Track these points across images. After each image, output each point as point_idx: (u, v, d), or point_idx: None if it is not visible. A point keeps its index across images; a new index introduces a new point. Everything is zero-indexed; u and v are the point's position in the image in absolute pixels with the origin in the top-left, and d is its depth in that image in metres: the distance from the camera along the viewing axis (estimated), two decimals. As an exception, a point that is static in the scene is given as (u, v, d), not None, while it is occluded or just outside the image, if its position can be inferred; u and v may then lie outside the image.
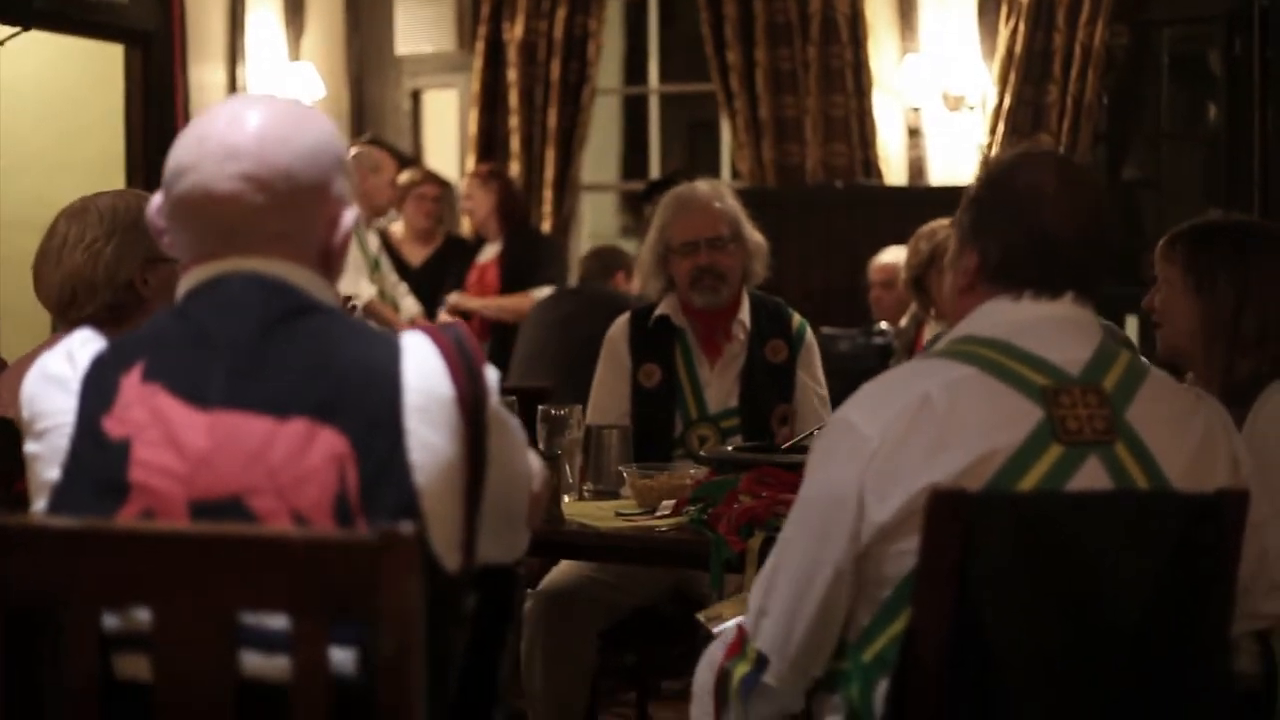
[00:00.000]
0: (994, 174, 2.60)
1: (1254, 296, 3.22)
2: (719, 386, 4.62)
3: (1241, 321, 3.21)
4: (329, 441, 2.03)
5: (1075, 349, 2.47)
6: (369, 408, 2.06)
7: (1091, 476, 2.39)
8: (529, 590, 4.26)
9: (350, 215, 2.23)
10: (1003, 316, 2.50)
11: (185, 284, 2.18)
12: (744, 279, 4.67)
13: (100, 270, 3.29)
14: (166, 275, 3.28)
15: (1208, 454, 2.49)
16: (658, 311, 4.67)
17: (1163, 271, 3.33)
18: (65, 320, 3.36)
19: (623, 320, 4.73)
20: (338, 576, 1.89)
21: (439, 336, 2.16)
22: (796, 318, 4.73)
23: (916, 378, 2.45)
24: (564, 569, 4.30)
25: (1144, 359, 3.67)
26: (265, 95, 2.44)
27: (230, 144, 2.15)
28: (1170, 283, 3.30)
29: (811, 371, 4.68)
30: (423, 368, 2.11)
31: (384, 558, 1.88)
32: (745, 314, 4.65)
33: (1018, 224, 2.52)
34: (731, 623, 2.73)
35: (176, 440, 2.04)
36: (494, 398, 2.18)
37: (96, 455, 2.07)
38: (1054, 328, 2.49)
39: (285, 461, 2.02)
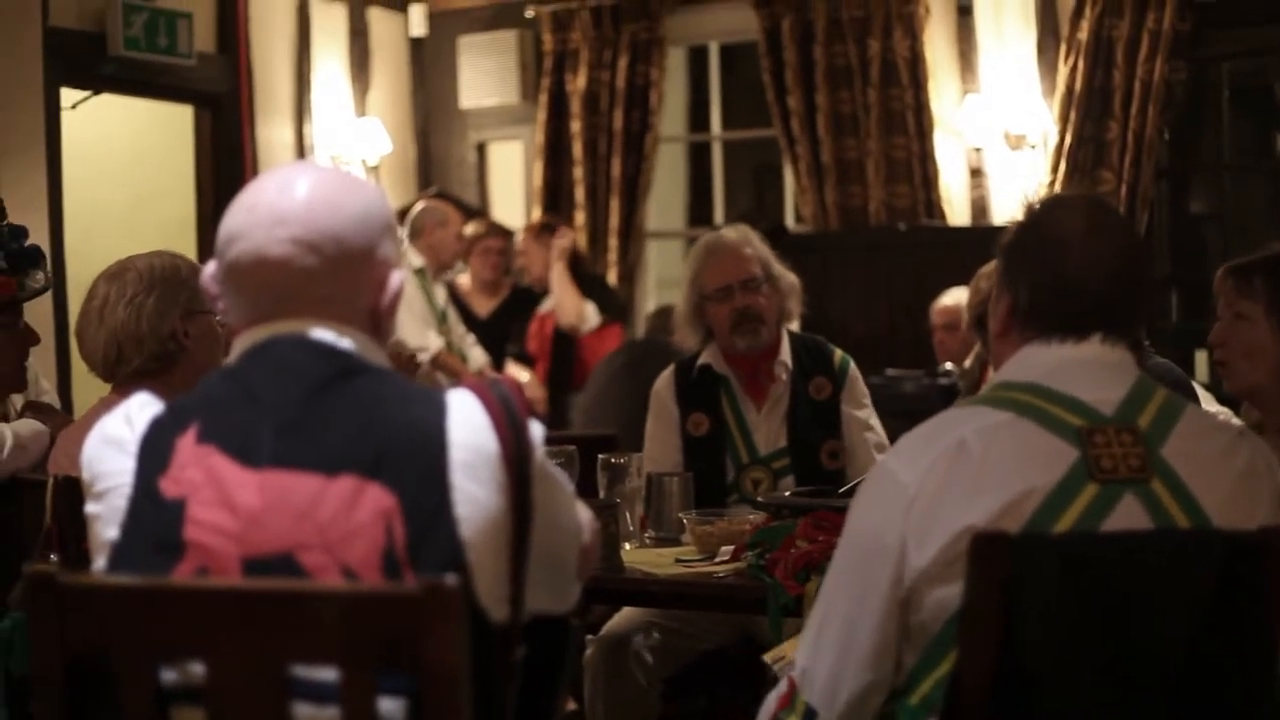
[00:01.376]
0: (1025, 219, 2.63)
1: None
2: (767, 429, 4.65)
3: None
4: (376, 498, 2.08)
5: (1109, 388, 2.48)
6: (415, 464, 2.11)
7: (1128, 514, 2.40)
8: (591, 636, 4.29)
9: (398, 277, 2.29)
10: (1036, 360, 2.52)
11: (238, 347, 2.25)
12: (781, 319, 4.70)
13: (144, 323, 3.40)
14: (206, 325, 3.40)
15: (1249, 489, 2.49)
16: (700, 361, 4.71)
17: (1236, 306, 3.30)
18: (114, 377, 3.45)
19: (667, 373, 4.77)
20: (384, 628, 1.94)
21: (484, 392, 2.20)
22: (838, 353, 4.75)
23: (953, 424, 2.47)
24: (626, 614, 4.32)
25: (1199, 392, 3.66)
26: (313, 163, 2.51)
27: (280, 210, 2.21)
28: (1249, 319, 3.27)
29: (857, 405, 4.70)
30: (468, 424, 2.16)
31: (429, 609, 1.92)
32: (786, 354, 4.68)
33: (1044, 268, 2.54)
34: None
35: (229, 499, 2.10)
36: (539, 451, 2.22)
37: (153, 515, 2.13)
38: (1087, 368, 2.50)
39: (334, 518, 2.08)
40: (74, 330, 3.55)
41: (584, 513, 2.46)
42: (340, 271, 2.22)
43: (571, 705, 5.84)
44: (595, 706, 4.20)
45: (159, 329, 3.42)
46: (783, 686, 2.61)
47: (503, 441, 2.16)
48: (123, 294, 3.43)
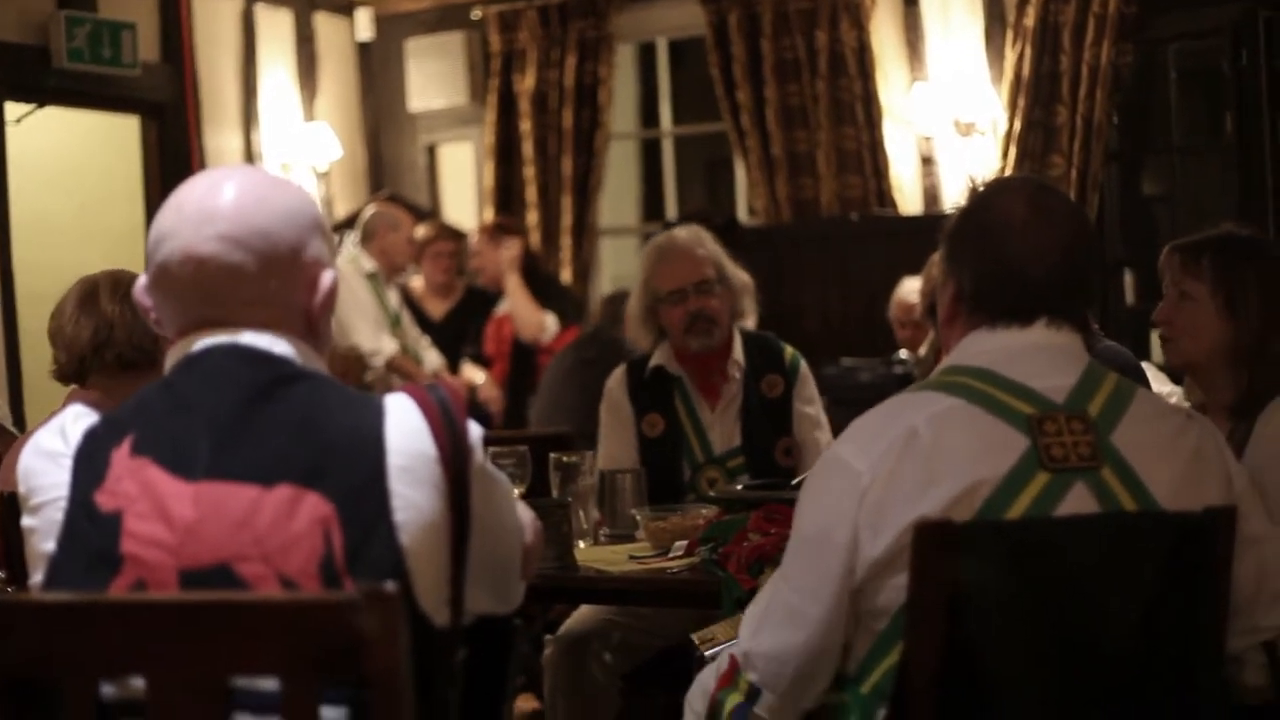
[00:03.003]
0: (967, 205, 2.63)
1: None
2: (721, 428, 4.66)
3: (1272, 342, 3.22)
4: (314, 506, 2.07)
5: (1060, 375, 2.49)
6: (353, 471, 2.10)
7: (1078, 502, 2.40)
8: (550, 635, 4.29)
9: (329, 277, 2.27)
10: (985, 346, 2.52)
11: (172, 357, 2.23)
12: (733, 319, 4.70)
13: (136, 314, 3.41)
14: None
15: (1198, 474, 2.50)
16: (653, 362, 4.71)
17: (1182, 284, 3.31)
18: (86, 369, 3.46)
19: (619, 373, 4.77)
20: (324, 637, 1.92)
21: (422, 396, 2.19)
22: (789, 350, 4.77)
23: (904, 411, 2.47)
24: (584, 612, 4.33)
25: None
26: (241, 165, 2.50)
27: (208, 208, 2.20)
28: (1194, 298, 3.28)
29: (807, 403, 4.72)
30: (405, 428, 2.14)
31: (368, 617, 1.90)
32: (739, 353, 4.69)
33: (985, 254, 2.55)
34: (724, 648, 2.75)
35: (165, 512, 2.08)
36: (478, 454, 2.21)
37: (89, 528, 2.11)
38: (1037, 355, 2.51)
39: (271, 528, 2.06)
40: (49, 328, 3.54)
41: (525, 513, 2.45)
42: (269, 269, 2.20)
43: (534, 704, 5.85)
44: (555, 705, 4.21)
45: (148, 324, 3.46)
46: (723, 664, 2.61)
47: (440, 445, 2.15)
48: (107, 292, 3.45)
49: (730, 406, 4.67)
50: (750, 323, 4.87)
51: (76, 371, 3.54)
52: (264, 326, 2.20)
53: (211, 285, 2.19)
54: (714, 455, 4.62)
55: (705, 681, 2.66)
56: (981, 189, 2.67)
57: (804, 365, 4.76)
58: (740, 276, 4.73)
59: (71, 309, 3.53)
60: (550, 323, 8.17)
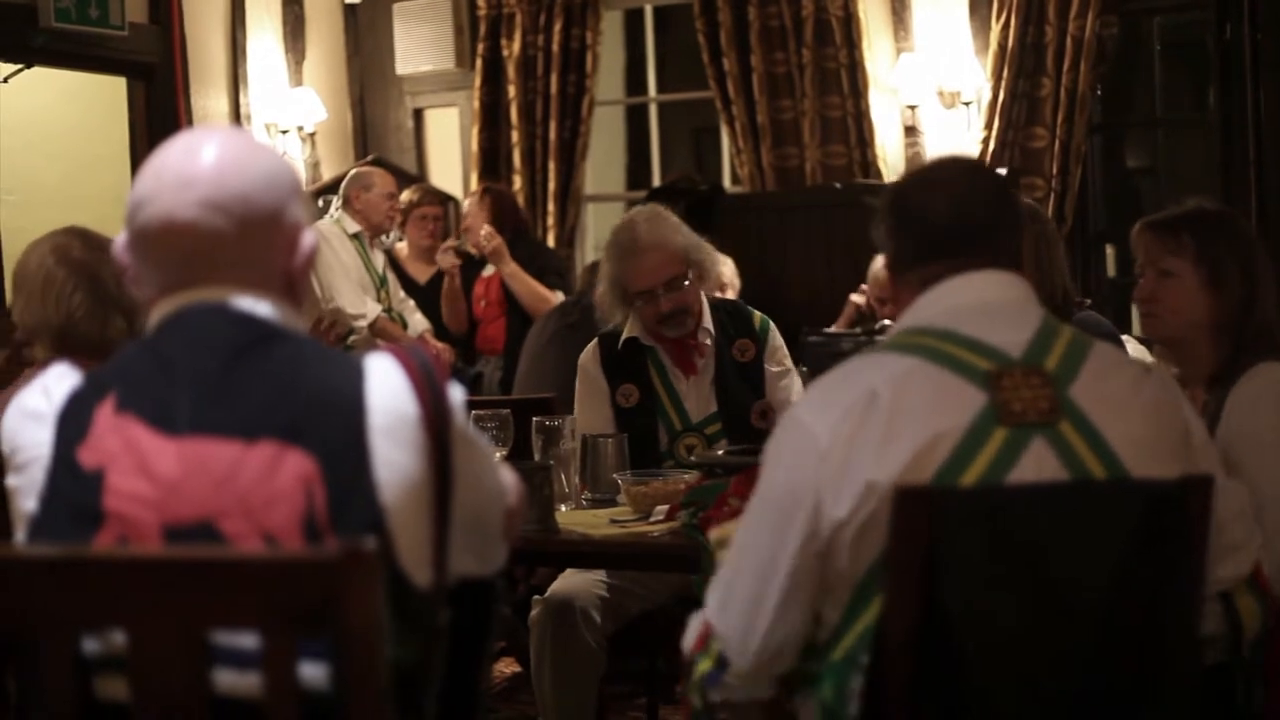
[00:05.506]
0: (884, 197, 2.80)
1: (1261, 289, 3.26)
2: (696, 396, 4.66)
3: (1252, 314, 3.25)
4: (296, 463, 2.09)
5: (1016, 330, 2.51)
6: (335, 429, 2.11)
7: (1038, 457, 2.42)
8: (538, 596, 4.31)
9: (309, 238, 2.29)
10: (940, 305, 2.57)
11: (154, 317, 2.24)
12: (703, 296, 4.70)
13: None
14: None
15: (1156, 425, 2.52)
16: (626, 334, 4.70)
17: (1162, 262, 3.33)
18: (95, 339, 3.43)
19: (591, 347, 4.76)
20: (303, 593, 1.94)
21: (404, 357, 2.21)
22: (757, 315, 4.78)
23: (863, 373, 2.49)
24: (571, 575, 4.34)
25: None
26: (219, 127, 2.51)
27: (187, 173, 2.21)
28: (1177, 274, 3.31)
29: (777, 364, 4.74)
30: (387, 388, 2.16)
31: (347, 573, 1.93)
32: (708, 320, 4.69)
33: (891, 217, 2.69)
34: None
35: (148, 468, 2.10)
36: (459, 415, 2.24)
37: (72, 485, 2.13)
38: (992, 311, 2.54)
39: (254, 484, 2.08)
40: (50, 318, 3.48)
41: (508, 476, 2.47)
42: (249, 233, 2.21)
43: (515, 667, 5.88)
44: (542, 667, 4.22)
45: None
46: (701, 627, 2.62)
47: (423, 405, 2.17)
48: (113, 281, 3.43)
49: (704, 374, 4.67)
50: (732, 293, 4.86)
51: (78, 348, 3.50)
52: (245, 287, 2.22)
53: (192, 250, 2.20)
54: (691, 424, 4.63)
55: (689, 640, 2.67)
56: None
57: (773, 328, 4.76)
58: (708, 252, 4.66)
59: (82, 296, 3.46)
60: (558, 300, 8.12)
